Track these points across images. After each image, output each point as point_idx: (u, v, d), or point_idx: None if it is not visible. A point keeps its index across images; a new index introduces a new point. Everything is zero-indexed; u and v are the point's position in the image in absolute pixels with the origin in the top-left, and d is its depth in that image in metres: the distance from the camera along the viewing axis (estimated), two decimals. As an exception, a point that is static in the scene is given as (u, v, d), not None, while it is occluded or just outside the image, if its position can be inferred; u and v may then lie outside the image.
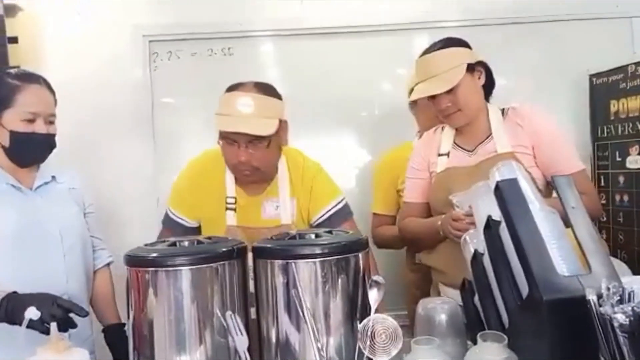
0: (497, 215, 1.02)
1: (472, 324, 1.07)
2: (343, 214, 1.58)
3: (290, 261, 1.02)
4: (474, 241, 1.15)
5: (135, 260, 1.02)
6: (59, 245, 1.50)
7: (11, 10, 2.32)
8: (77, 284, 1.54)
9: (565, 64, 2.51)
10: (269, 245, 1.08)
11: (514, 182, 0.98)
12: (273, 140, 1.45)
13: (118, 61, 2.37)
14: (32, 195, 1.51)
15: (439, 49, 1.54)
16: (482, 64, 1.57)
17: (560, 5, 2.44)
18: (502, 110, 1.58)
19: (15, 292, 1.27)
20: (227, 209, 1.51)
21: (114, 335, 1.54)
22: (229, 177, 1.53)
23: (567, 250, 0.92)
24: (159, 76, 2.40)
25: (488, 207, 1.07)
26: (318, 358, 0.93)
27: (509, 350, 0.86)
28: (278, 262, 1.03)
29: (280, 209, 1.50)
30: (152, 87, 2.40)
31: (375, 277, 0.99)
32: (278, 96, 1.50)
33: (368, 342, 0.91)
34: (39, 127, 1.46)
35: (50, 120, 1.50)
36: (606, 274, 0.86)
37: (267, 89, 1.47)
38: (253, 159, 1.43)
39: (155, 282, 0.99)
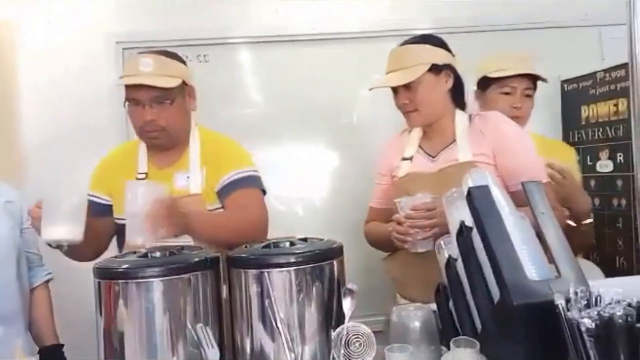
0: (470, 221, 1.03)
1: (446, 330, 1.07)
2: (243, 182, 1.49)
3: (264, 270, 1.01)
4: (448, 246, 1.15)
5: (105, 273, 1.00)
6: None
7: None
8: (10, 300, 1.50)
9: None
10: (243, 255, 1.07)
11: (485, 189, 0.99)
12: (178, 100, 1.48)
13: (91, 68, 2.33)
14: None
15: (410, 44, 1.53)
16: (450, 68, 1.53)
17: (532, 13, 2.50)
18: (470, 116, 1.55)
19: None
20: None
21: (51, 356, 1.51)
22: (142, 153, 1.54)
23: (537, 255, 0.94)
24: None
25: (461, 213, 1.08)
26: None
27: (482, 355, 0.87)
28: (252, 272, 1.02)
29: (190, 180, 1.50)
30: (127, 94, 2.37)
31: (349, 286, 0.99)
32: (182, 61, 1.55)
33: (342, 350, 0.91)
34: None
35: None
36: (574, 278, 0.88)
37: (170, 54, 1.52)
38: (159, 117, 1.45)
39: (126, 294, 0.98)
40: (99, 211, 1.50)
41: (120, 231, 1.50)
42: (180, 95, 1.49)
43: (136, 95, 1.44)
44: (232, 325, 1.06)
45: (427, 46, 1.52)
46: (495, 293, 0.91)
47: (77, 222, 1.25)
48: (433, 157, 1.54)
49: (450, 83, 1.53)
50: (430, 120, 1.53)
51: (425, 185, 1.44)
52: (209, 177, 1.50)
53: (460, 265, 1.07)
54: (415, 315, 0.99)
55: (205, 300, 1.03)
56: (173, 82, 1.45)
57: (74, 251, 1.35)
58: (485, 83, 1.84)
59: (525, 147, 1.49)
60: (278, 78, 2.45)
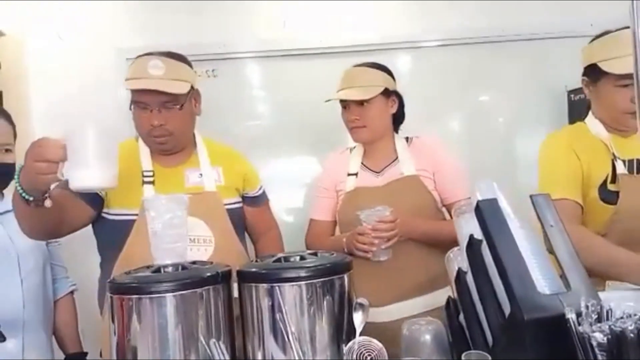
0: (479, 233, 1.03)
1: (457, 343, 1.07)
2: (265, 197, 1.68)
3: (275, 285, 1.02)
4: (458, 259, 1.16)
5: (118, 288, 1.01)
6: (17, 272, 1.53)
7: (-7, 35, 2.33)
8: (35, 310, 1.56)
9: (544, 81, 2.58)
10: (253, 269, 1.08)
11: (494, 202, 0.99)
12: (186, 105, 1.45)
13: (101, 84, 2.38)
14: None
15: (366, 66, 1.69)
16: (397, 95, 1.71)
17: (538, 25, 2.51)
18: (407, 139, 1.73)
19: None
20: (144, 182, 1.43)
21: None
22: (144, 153, 1.48)
23: (547, 268, 0.94)
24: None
25: (470, 226, 1.08)
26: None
27: (493, 369, 0.87)
28: (263, 286, 1.03)
29: (204, 177, 1.49)
30: (136, 109, 2.40)
31: (359, 300, 1.00)
32: (189, 64, 1.51)
33: (353, 365, 0.91)
34: None
35: (6, 149, 1.55)
36: (585, 291, 0.88)
37: (177, 56, 1.48)
38: (167, 122, 1.41)
39: (139, 309, 0.98)
40: (90, 199, 1.40)
41: (105, 226, 1.43)
42: (188, 99, 1.46)
43: (144, 99, 1.40)
44: (244, 339, 1.06)
45: (381, 72, 1.69)
46: (506, 306, 0.91)
47: (110, 165, 1.09)
48: (377, 173, 1.69)
49: (394, 108, 1.71)
50: (374, 138, 1.69)
51: (373, 198, 1.59)
52: (228, 176, 1.53)
53: (470, 278, 1.07)
54: (426, 329, 0.99)
55: (217, 314, 1.03)
56: (184, 88, 1.42)
57: (43, 217, 1.21)
58: (596, 72, 1.48)
59: (459, 169, 1.69)
60: (285, 91, 2.48)
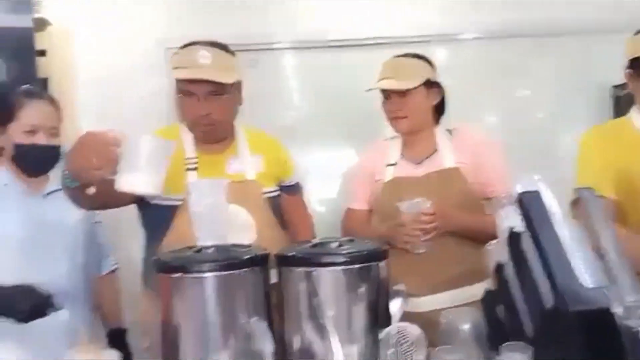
0: (520, 226, 1.02)
1: (494, 335, 1.06)
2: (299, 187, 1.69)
3: (312, 269, 1.03)
4: (497, 252, 1.15)
5: (163, 266, 1.04)
6: (63, 248, 1.60)
7: (40, 24, 2.40)
8: (79, 284, 1.62)
9: (588, 76, 2.51)
10: (292, 253, 1.10)
11: (536, 194, 0.98)
12: (231, 94, 1.46)
13: (141, 73, 2.43)
14: (41, 201, 1.61)
15: (408, 57, 1.68)
16: (439, 86, 1.69)
17: (581, 19, 2.44)
18: (448, 130, 1.70)
19: None
20: (187, 169, 1.45)
21: (116, 339, 1.59)
22: (187, 140, 1.49)
23: (591, 261, 0.92)
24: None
25: (510, 219, 1.07)
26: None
27: (533, 361, 0.86)
28: (300, 270, 1.04)
29: (244, 165, 1.51)
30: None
31: (398, 286, 1.00)
32: (234, 54, 1.52)
33: (391, 350, 0.91)
34: (39, 139, 1.56)
35: (52, 133, 1.59)
36: (630, 286, 0.86)
37: (223, 46, 1.49)
38: (213, 112, 1.42)
39: (182, 287, 1.01)
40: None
41: (149, 210, 1.46)
42: (233, 89, 1.47)
43: (192, 88, 1.41)
44: (282, 323, 1.08)
45: (423, 62, 1.68)
46: (548, 299, 0.90)
47: (159, 173, 1.10)
48: (417, 164, 1.67)
49: (436, 100, 1.69)
50: (415, 129, 1.67)
51: (412, 189, 1.59)
52: (268, 164, 1.54)
53: (510, 271, 1.07)
54: (464, 318, 0.98)
55: (255, 296, 1.05)
56: (232, 77, 1.43)
57: (86, 198, 1.21)
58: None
59: (500, 160, 1.66)
60: (325, 83, 2.49)
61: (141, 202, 1.46)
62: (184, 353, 1.01)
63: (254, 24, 2.48)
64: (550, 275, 0.88)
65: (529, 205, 0.96)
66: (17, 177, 1.60)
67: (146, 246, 1.51)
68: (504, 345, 0.88)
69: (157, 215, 1.43)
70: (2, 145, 1.60)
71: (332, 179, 2.50)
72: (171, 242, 1.34)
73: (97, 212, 1.72)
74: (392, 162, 1.69)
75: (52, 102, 1.65)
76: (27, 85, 1.75)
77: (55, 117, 1.62)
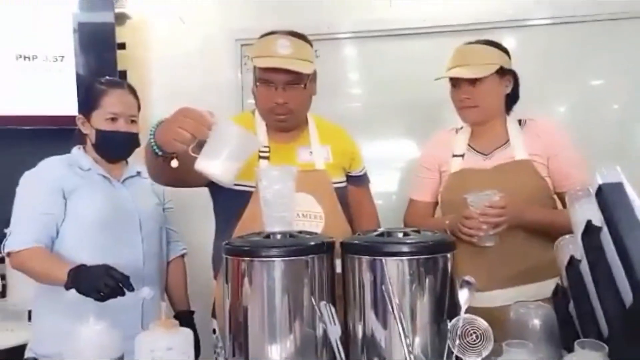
0: (597, 219, 0.98)
1: (565, 332, 1.03)
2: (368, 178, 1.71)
3: (377, 258, 1.03)
4: (570, 247, 1.11)
5: (233, 250, 1.08)
6: (139, 232, 1.68)
7: (121, 19, 2.54)
8: (153, 267, 1.70)
9: None
10: (357, 242, 1.10)
11: (619, 186, 0.93)
12: (308, 85, 1.47)
13: (214, 64, 2.51)
14: (119, 186, 1.70)
15: (480, 44, 1.62)
16: (513, 74, 1.62)
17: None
18: (519, 121, 1.64)
19: (83, 265, 1.42)
20: (260, 157, 1.47)
21: (183, 321, 1.66)
22: (260, 128, 1.52)
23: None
24: (250, 79, 2.49)
25: (586, 212, 1.03)
26: (407, 355, 0.93)
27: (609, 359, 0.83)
28: (366, 259, 1.05)
29: (314, 156, 1.52)
30: (243, 90, 2.52)
31: (466, 277, 0.98)
32: (311, 44, 1.52)
33: (457, 342, 0.90)
34: (121, 126, 1.65)
35: (131, 120, 1.68)
36: None
37: (301, 36, 1.50)
38: (290, 101, 1.44)
39: (250, 270, 1.04)
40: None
41: (223, 195, 1.48)
42: (309, 79, 1.49)
43: (270, 77, 1.43)
44: (346, 312, 1.08)
45: (496, 49, 1.61)
46: (627, 296, 0.85)
47: (237, 166, 1.14)
48: (486, 155, 1.62)
49: (508, 88, 1.63)
50: (485, 119, 1.62)
51: (481, 181, 1.54)
52: (336, 155, 1.57)
53: (584, 266, 1.02)
54: (535, 313, 0.96)
55: (320, 282, 1.06)
56: (311, 68, 1.46)
57: (167, 171, 1.24)
58: None
59: (574, 153, 1.59)
60: (387, 72, 2.46)
61: (213, 186, 1.49)
62: (252, 335, 1.04)
63: (319, 13, 2.48)
64: (630, 272, 0.84)
65: (611, 196, 0.91)
66: (99, 162, 1.70)
67: (217, 232, 1.56)
68: (577, 341, 0.85)
69: (230, 201, 1.47)
70: (87, 132, 1.69)
71: (391, 171, 2.48)
72: (244, 228, 1.38)
73: (169, 199, 1.81)
74: (459, 153, 1.65)
75: (132, 91, 1.73)
76: (108, 77, 1.85)
77: (134, 106, 1.71)
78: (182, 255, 1.89)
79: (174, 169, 1.19)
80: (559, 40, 2.43)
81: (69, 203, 1.60)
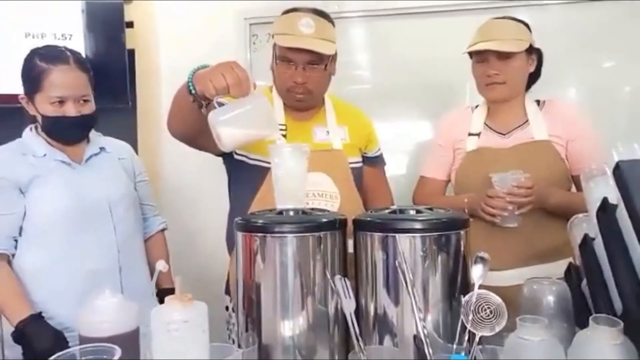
0: (613, 197, 0.97)
1: (578, 310, 1.02)
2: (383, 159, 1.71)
3: (390, 234, 1.03)
4: (583, 225, 1.10)
5: (245, 226, 1.08)
6: (109, 218, 1.51)
7: (129, -4, 2.52)
8: (130, 254, 1.55)
9: None
10: (369, 219, 1.10)
11: (636, 163, 0.92)
12: (328, 65, 1.46)
13: (222, 44, 2.48)
14: (81, 169, 1.51)
15: (508, 19, 1.58)
16: (538, 53, 1.59)
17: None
18: (538, 102, 1.61)
19: (39, 314, 1.34)
20: None
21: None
22: (277, 106, 1.51)
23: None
24: (259, 58, 2.49)
25: (601, 190, 1.02)
26: (421, 329, 0.93)
27: (624, 336, 0.82)
28: (378, 235, 1.05)
29: (330, 135, 1.52)
30: (252, 69, 2.50)
31: (480, 253, 0.98)
32: (333, 23, 1.50)
33: (471, 317, 0.91)
34: (69, 110, 1.44)
35: (83, 100, 1.46)
36: None
37: (324, 14, 1.47)
38: (309, 81, 1.43)
39: (263, 247, 1.05)
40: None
41: (239, 168, 1.50)
42: (330, 59, 1.47)
43: (292, 56, 1.42)
44: (357, 290, 1.09)
45: (524, 26, 1.57)
46: (643, 274, 0.85)
47: (244, 134, 1.15)
48: (504, 134, 1.59)
49: (532, 67, 1.59)
50: (510, 96, 1.58)
51: (498, 160, 1.52)
52: (353, 135, 1.56)
53: (598, 245, 1.02)
54: (549, 290, 0.95)
55: (333, 259, 1.06)
56: (333, 49, 1.43)
57: (192, 118, 1.25)
58: None
59: (594, 136, 1.56)
60: (397, 52, 2.43)
61: (227, 157, 1.49)
62: (264, 311, 1.04)
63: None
64: (647, 249, 0.83)
65: (628, 173, 0.90)
66: (54, 145, 1.50)
67: (232, 207, 1.56)
68: (592, 317, 0.84)
69: (246, 175, 1.47)
70: (33, 114, 1.48)
71: (399, 155, 2.46)
72: (261, 204, 1.37)
73: (141, 171, 1.69)
74: (475, 131, 1.62)
75: (80, 65, 1.47)
76: (49, 46, 1.53)
77: (84, 83, 1.47)
78: (162, 230, 1.74)
79: (196, 118, 1.19)
80: (572, 20, 2.38)
81: (28, 197, 1.43)
